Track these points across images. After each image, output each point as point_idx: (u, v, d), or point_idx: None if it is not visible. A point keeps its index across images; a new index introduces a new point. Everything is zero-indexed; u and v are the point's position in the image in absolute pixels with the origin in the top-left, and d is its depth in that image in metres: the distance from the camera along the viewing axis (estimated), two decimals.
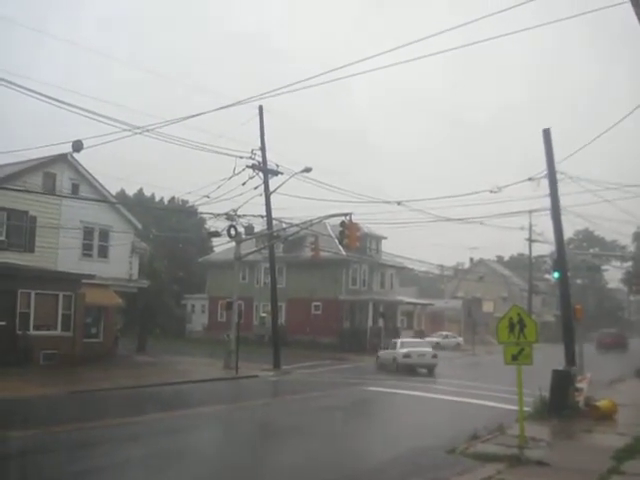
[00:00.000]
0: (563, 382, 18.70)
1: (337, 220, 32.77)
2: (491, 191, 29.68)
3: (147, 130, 24.29)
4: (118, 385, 24.28)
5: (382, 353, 37.77)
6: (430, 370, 34.48)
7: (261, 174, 34.30)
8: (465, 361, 48.06)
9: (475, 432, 14.74)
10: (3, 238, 31.10)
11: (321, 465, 12.53)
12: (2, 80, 18.57)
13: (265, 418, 19.30)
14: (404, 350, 34.91)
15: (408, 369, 33.77)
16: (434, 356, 35.30)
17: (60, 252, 33.05)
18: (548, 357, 21.55)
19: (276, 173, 34.64)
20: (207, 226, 53.55)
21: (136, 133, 24.31)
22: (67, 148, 27.58)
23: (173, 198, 66.27)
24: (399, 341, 37.61)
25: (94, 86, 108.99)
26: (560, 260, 23.94)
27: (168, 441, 14.60)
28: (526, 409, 15.29)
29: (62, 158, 33.00)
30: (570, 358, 21.72)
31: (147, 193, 70.23)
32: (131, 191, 68.07)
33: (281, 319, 47.10)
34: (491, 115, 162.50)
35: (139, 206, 57.09)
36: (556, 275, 25.95)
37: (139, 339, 41.46)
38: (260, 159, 34.16)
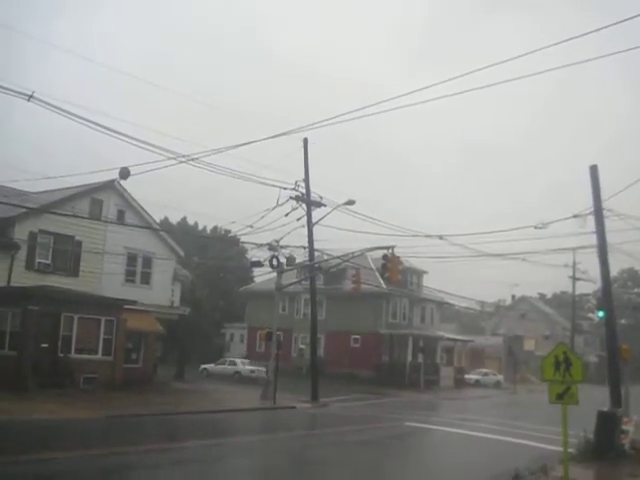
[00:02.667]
0: (608, 424, 18.20)
1: (379, 253, 32.72)
2: (536, 227, 29.32)
3: (192, 159, 24.60)
4: (155, 411, 24.30)
5: None
6: None
7: (304, 205, 34.44)
8: (506, 399, 47.27)
9: (517, 472, 14.39)
10: (49, 262, 31.64)
11: None
12: (58, 109, 18.98)
13: (301, 450, 19.11)
14: None
15: None
16: None
17: (104, 277, 33.50)
18: (591, 398, 21.01)
19: (319, 205, 34.74)
20: (249, 256, 53.67)
21: (181, 162, 24.64)
22: (113, 175, 28.14)
23: (216, 227, 66.95)
24: None
25: (135, 113, 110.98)
26: (606, 298, 23.48)
27: (200, 469, 14.53)
28: (570, 450, 14.92)
29: (109, 185, 33.61)
30: (616, 399, 21.19)
31: (190, 221, 71.04)
32: (175, 219, 68.95)
33: (320, 351, 46.89)
34: (538, 151, 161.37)
35: (182, 234, 57.71)
36: (601, 314, 25.45)
37: (178, 366, 41.62)
38: (304, 190, 34.31)
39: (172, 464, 14.71)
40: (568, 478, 13.37)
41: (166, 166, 23.83)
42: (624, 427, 19.03)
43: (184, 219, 70.33)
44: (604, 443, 17.77)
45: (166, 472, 13.94)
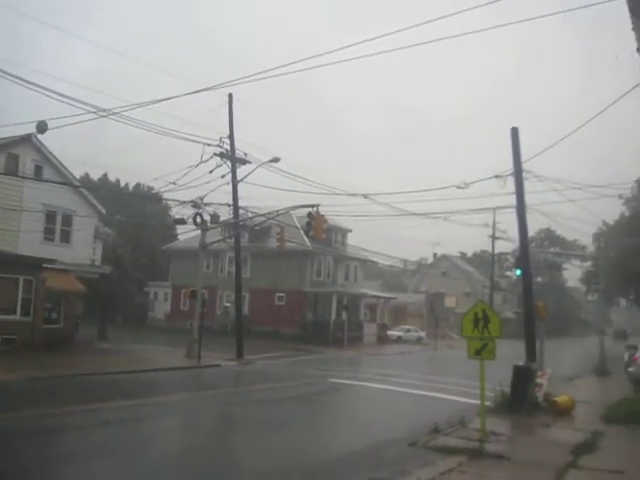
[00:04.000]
0: (524, 377, 18.93)
1: (303, 211, 32.77)
2: (458, 187, 29.88)
3: (113, 113, 23.98)
4: (78, 372, 23.96)
5: None
6: None
7: (229, 162, 34.09)
8: (427, 355, 48.48)
9: (437, 425, 14.87)
10: None
11: (284, 456, 12.51)
12: None
13: (226, 408, 19.22)
14: None
15: None
16: None
17: (21, 235, 32.43)
18: (508, 353, 21.76)
19: (244, 162, 34.45)
20: (172, 213, 52.96)
21: (102, 116, 24.00)
22: (31, 129, 27.13)
23: (139, 184, 65.63)
24: None
25: (63, 69, 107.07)
26: (523, 257, 24.19)
27: (128, 429, 14.47)
28: (487, 403, 15.48)
29: (26, 139, 32.40)
30: (531, 354, 22.00)
31: (112, 178, 69.43)
32: (96, 175, 67.25)
33: (245, 309, 46.95)
34: (461, 112, 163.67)
35: (103, 191, 56.38)
36: (518, 272, 26.24)
37: (100, 326, 40.99)
38: (228, 147, 33.93)
39: (99, 425, 14.54)
40: (485, 430, 13.88)
41: (86, 120, 23.19)
42: (538, 380, 19.84)
43: (105, 176, 68.68)
44: (519, 396, 18.50)
45: (94, 433, 13.77)
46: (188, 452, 12.56)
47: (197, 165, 31.52)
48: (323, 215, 31.30)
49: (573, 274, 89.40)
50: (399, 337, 61.92)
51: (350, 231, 59.12)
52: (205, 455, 12.30)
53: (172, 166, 67.33)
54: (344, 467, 11.35)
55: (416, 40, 16.64)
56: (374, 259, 61.14)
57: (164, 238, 64.20)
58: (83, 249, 36.33)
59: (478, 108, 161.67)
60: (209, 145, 32.01)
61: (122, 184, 69.56)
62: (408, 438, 13.78)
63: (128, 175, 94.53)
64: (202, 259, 37.18)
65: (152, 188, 53.45)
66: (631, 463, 12.45)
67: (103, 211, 38.30)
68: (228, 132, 34.32)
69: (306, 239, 45.68)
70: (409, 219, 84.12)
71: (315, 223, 30.53)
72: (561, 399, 19.00)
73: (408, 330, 64.87)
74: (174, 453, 12.38)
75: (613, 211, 57.93)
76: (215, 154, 32.82)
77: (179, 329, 48.34)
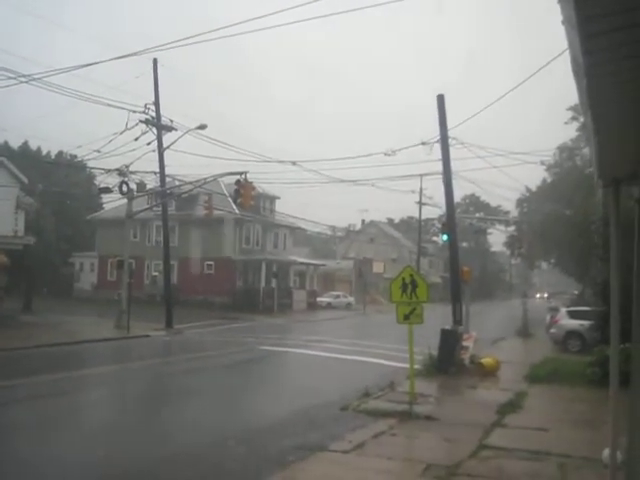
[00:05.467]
0: (450, 340, 19.44)
1: (232, 179, 32.52)
2: (385, 154, 30.18)
3: (33, 79, 23.20)
4: (2, 346, 23.31)
5: None
6: None
7: (154, 129, 33.43)
8: (356, 320, 49.04)
9: (367, 389, 15.12)
10: None
11: (217, 423, 12.55)
12: None
13: (155, 379, 19.09)
14: None
15: None
16: None
17: None
18: (436, 317, 22.26)
19: (170, 129, 33.85)
20: (97, 182, 51.56)
21: (22, 82, 23.19)
22: None
23: (61, 152, 63.61)
24: None
25: None
26: (450, 223, 24.64)
27: (56, 403, 14.21)
28: (416, 367, 15.81)
29: None
30: (457, 317, 22.53)
31: (33, 146, 67.12)
32: (16, 143, 64.90)
33: (173, 278, 46.47)
34: (390, 79, 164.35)
35: (25, 159, 54.52)
36: (445, 237, 26.72)
37: (25, 298, 39.97)
38: (154, 114, 33.25)
39: (24, 400, 14.26)
40: (414, 392, 14.18)
41: (5, 85, 22.36)
42: (464, 343, 20.40)
43: (25, 143, 66.24)
44: (447, 359, 19.00)
45: (18, 408, 13.51)
46: (116, 425, 12.47)
47: (122, 132, 30.86)
48: (251, 182, 31.16)
49: (497, 239, 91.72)
50: (329, 303, 62.42)
51: (278, 198, 58.99)
52: (134, 428, 12.23)
53: (96, 134, 65.80)
54: (275, 433, 11.42)
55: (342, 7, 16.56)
56: (303, 226, 61.25)
57: (89, 208, 62.68)
58: (4, 220, 35.13)
59: (407, 74, 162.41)
60: (134, 112, 31.35)
61: (44, 152, 67.34)
62: (339, 403, 13.98)
63: (50, 143, 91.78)
64: (129, 228, 36.57)
65: (75, 156, 52.00)
66: (553, 421, 12.96)
67: (25, 180, 37.09)
68: (154, 99, 33.63)
69: (234, 207, 45.34)
70: (338, 186, 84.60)
71: (243, 191, 30.36)
72: (486, 361, 19.58)
73: (337, 296, 65.44)
74: (96, 426, 12.20)
75: (536, 177, 59.61)
76: (140, 121, 32.15)
77: (107, 300, 47.45)
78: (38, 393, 14.99)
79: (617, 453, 6.34)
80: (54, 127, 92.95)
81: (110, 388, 17.23)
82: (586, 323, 25.04)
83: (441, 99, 22.95)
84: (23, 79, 22.90)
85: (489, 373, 18.94)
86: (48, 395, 14.90)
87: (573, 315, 28.02)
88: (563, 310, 30.46)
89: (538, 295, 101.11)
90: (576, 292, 51.49)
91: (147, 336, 30.24)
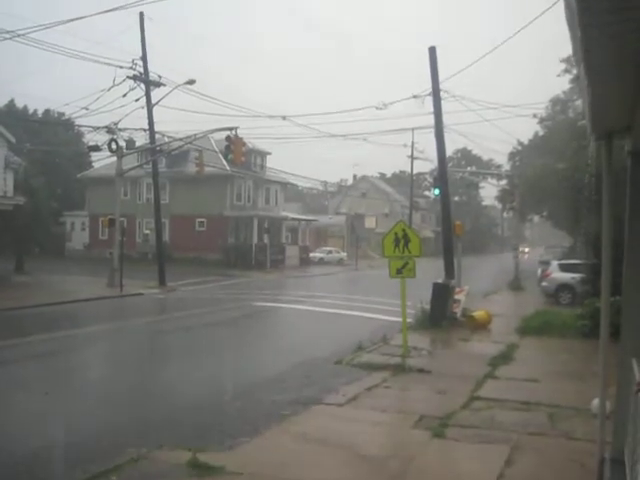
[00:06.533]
0: (442, 294, 19.55)
1: (222, 135, 32.28)
2: (377, 107, 30.02)
3: (18, 35, 22.83)
4: None
5: None
6: None
7: (143, 85, 33.03)
8: (348, 275, 49.25)
9: (360, 343, 15.26)
10: None
11: (212, 379, 12.66)
12: None
13: (150, 336, 19.21)
14: None
15: None
16: None
17: None
18: (428, 271, 22.36)
19: (158, 85, 33.43)
20: (86, 140, 51.22)
21: (5, 38, 22.82)
22: None
23: (48, 110, 62.96)
24: None
25: None
26: (441, 177, 24.64)
27: (52, 362, 14.27)
28: (408, 320, 15.96)
29: None
30: (449, 271, 22.68)
31: (19, 104, 66.32)
32: (1, 102, 64.11)
33: (165, 236, 46.47)
34: (381, 32, 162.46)
35: (11, 118, 53.91)
36: (437, 192, 26.76)
37: (17, 259, 39.92)
38: (142, 70, 32.81)
39: (22, 359, 14.35)
40: (406, 345, 14.36)
41: None
42: (456, 297, 20.54)
43: (12, 102, 65.39)
44: (439, 312, 19.15)
45: (17, 367, 13.58)
46: (115, 384, 12.57)
47: (109, 89, 30.58)
48: (242, 138, 30.98)
49: (489, 192, 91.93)
50: (321, 259, 62.61)
51: (270, 154, 58.75)
52: (133, 387, 12.33)
53: (84, 91, 64.99)
54: (270, 388, 11.54)
55: None
56: (294, 181, 61.25)
57: (79, 166, 62.25)
58: None
59: (398, 27, 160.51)
60: (121, 67, 30.98)
61: (30, 111, 66.57)
62: (333, 357, 14.14)
63: (37, 101, 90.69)
64: (119, 186, 36.33)
65: (63, 114, 51.55)
66: (544, 372, 13.14)
67: (12, 140, 36.71)
68: (141, 54, 33.16)
69: (225, 163, 45.13)
70: (329, 141, 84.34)
71: (234, 146, 30.19)
72: (478, 314, 19.77)
73: (330, 252, 65.61)
74: (93, 385, 12.34)
75: (528, 131, 59.43)
76: (128, 77, 31.77)
77: (99, 259, 47.54)
78: (34, 352, 15.09)
79: (606, 403, 6.44)
80: (40, 85, 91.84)
81: (108, 346, 17.29)
82: (577, 276, 25.19)
83: (433, 51, 22.79)
84: (7, 35, 22.53)
85: (481, 326, 19.13)
86: (43, 354, 14.96)
87: (564, 268, 28.19)
88: (554, 263, 30.62)
89: (521, 249, 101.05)
90: (567, 245, 51.72)
91: (141, 294, 30.29)
